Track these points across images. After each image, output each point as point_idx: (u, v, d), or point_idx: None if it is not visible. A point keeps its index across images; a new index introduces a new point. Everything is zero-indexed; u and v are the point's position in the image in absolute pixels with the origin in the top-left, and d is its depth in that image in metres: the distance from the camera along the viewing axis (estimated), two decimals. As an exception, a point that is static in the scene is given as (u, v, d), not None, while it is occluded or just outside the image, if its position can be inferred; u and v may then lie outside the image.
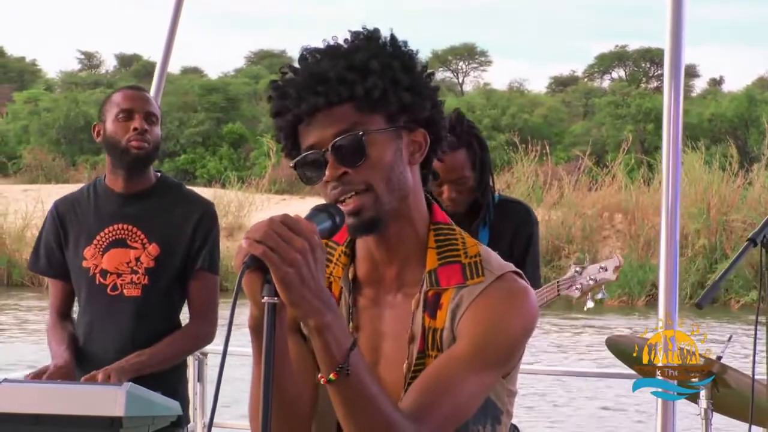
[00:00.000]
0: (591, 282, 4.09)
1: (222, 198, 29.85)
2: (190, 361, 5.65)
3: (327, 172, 2.28)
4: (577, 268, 4.11)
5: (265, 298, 2.08)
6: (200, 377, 5.77)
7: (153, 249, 4.22)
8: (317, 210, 2.24)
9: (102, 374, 3.90)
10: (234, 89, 46.69)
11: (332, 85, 2.25)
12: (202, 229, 4.25)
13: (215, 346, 4.67)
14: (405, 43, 2.37)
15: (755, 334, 3.56)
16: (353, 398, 2.18)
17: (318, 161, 2.30)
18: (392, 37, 2.36)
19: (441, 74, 65.54)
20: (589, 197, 27.95)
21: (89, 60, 72.01)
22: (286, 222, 2.08)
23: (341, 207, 2.28)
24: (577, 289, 4.08)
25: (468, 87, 63.84)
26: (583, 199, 27.87)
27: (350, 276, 2.44)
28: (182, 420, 4.16)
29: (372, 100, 2.28)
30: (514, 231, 4.26)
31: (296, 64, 2.33)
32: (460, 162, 4.23)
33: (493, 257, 2.40)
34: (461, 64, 66.21)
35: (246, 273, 2.08)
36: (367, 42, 2.33)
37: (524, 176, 28.45)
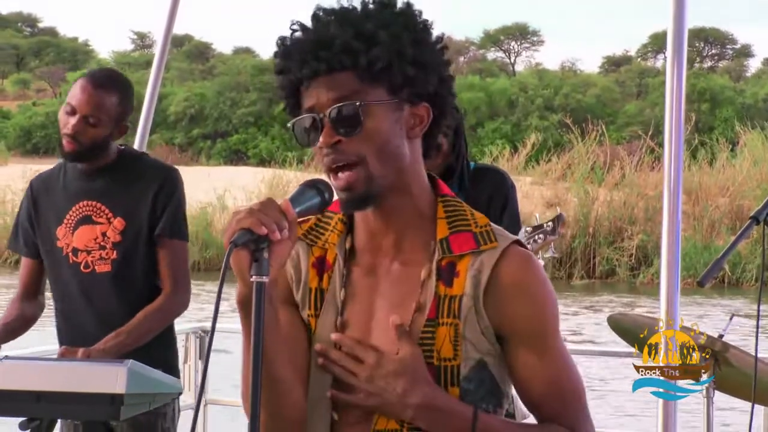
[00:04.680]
0: (540, 240, 4.05)
1: (281, 178, 29.87)
2: (192, 339, 5.69)
3: (321, 139, 2.26)
4: (529, 228, 4.08)
5: (254, 277, 2.08)
6: (201, 354, 5.72)
7: (118, 223, 4.18)
8: (306, 186, 2.25)
9: (82, 353, 3.89)
10: (286, 69, 46.66)
11: (335, 52, 2.23)
12: (162, 195, 4.19)
13: (219, 324, 4.65)
14: (420, 12, 2.33)
15: (758, 312, 3.55)
16: None
17: (314, 125, 2.28)
18: (407, 5, 2.32)
19: (493, 54, 65.43)
20: (651, 178, 27.28)
21: (142, 40, 72.50)
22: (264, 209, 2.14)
23: (333, 182, 2.28)
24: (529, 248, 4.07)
25: (520, 67, 63.71)
26: (645, 179, 27.31)
27: (347, 245, 2.42)
28: None
29: (375, 71, 2.25)
30: (489, 197, 4.21)
31: (308, 22, 2.30)
32: None
33: (501, 228, 2.41)
34: (513, 44, 65.98)
35: (234, 250, 2.08)
36: (380, 9, 2.29)
37: (584, 157, 28.12)
